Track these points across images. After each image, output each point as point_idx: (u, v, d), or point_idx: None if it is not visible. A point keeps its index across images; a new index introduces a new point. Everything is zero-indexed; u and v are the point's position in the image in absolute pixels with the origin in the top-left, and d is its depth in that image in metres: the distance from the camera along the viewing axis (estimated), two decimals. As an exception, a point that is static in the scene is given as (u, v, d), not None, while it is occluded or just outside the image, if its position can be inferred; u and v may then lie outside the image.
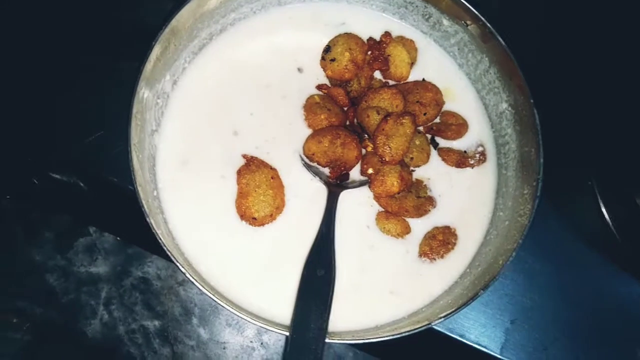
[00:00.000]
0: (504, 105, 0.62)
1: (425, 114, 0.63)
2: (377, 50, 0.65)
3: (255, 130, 0.62)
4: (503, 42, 0.58)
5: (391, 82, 0.66)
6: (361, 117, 0.62)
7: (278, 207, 0.59)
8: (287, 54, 0.65)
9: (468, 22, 0.61)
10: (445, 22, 0.64)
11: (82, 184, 0.72)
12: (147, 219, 0.50)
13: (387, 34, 0.66)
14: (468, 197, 0.62)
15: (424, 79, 0.66)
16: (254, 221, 0.58)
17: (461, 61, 0.66)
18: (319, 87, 0.65)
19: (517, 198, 0.58)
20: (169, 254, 0.50)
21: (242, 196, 0.58)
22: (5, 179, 0.73)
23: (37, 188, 0.74)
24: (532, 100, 0.56)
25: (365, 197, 0.62)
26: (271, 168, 0.60)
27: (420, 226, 0.61)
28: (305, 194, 0.60)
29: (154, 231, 0.50)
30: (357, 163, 0.62)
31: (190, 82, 0.63)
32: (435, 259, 0.59)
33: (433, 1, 0.62)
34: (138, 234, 0.76)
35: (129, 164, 0.52)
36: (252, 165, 0.59)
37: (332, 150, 0.60)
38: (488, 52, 0.61)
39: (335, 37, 0.64)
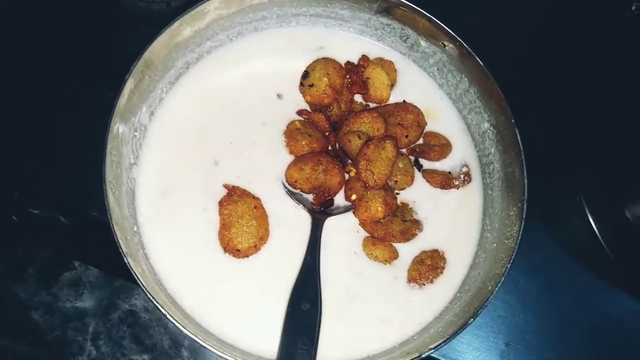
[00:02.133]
0: (486, 125, 0.61)
1: (407, 136, 0.62)
2: (355, 75, 0.64)
3: (236, 159, 0.61)
4: (481, 62, 0.58)
5: (372, 105, 0.66)
6: (342, 141, 0.62)
7: (262, 238, 0.58)
8: (265, 80, 0.65)
9: (445, 43, 0.61)
10: (423, 43, 0.63)
11: (62, 219, 0.71)
12: (125, 259, 0.49)
13: (364, 58, 0.65)
14: (455, 219, 0.61)
15: (404, 101, 0.65)
16: (237, 253, 0.57)
17: (441, 81, 0.66)
18: (300, 112, 0.64)
19: (503, 219, 0.57)
20: (148, 295, 0.49)
21: (224, 227, 0.57)
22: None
23: (17, 225, 0.73)
24: (512, 120, 0.56)
25: (351, 223, 0.61)
26: (254, 197, 0.59)
27: (407, 251, 0.60)
28: (289, 223, 0.59)
29: (132, 271, 0.49)
30: (340, 189, 0.61)
31: (168, 112, 0.63)
32: (424, 284, 0.58)
33: (410, 23, 0.62)
34: (123, 267, 0.74)
35: (104, 201, 0.51)
36: (234, 196, 0.58)
37: (314, 177, 0.59)
38: (467, 72, 0.61)
39: (313, 62, 0.64)
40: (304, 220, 0.60)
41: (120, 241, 0.49)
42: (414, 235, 0.60)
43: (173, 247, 0.57)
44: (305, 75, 0.64)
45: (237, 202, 0.58)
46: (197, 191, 0.59)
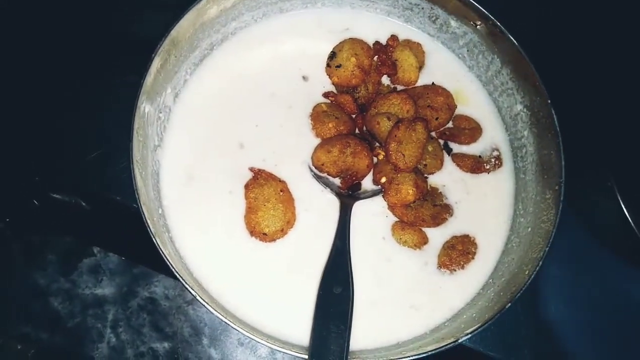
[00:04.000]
0: (519, 107, 0.59)
1: (437, 119, 0.61)
2: (384, 54, 0.63)
3: (261, 142, 0.60)
4: (516, 42, 0.56)
5: (399, 87, 0.64)
6: (371, 124, 0.60)
7: (289, 222, 0.56)
8: (291, 62, 0.63)
9: (477, 23, 0.59)
10: (453, 23, 0.62)
11: (84, 204, 0.70)
12: (154, 239, 0.48)
13: (393, 38, 0.64)
14: (486, 204, 0.60)
15: (433, 83, 0.64)
16: (264, 237, 0.56)
17: (471, 63, 0.64)
18: (326, 94, 0.62)
19: (538, 203, 0.55)
20: (177, 275, 0.48)
21: (251, 211, 0.56)
22: (3, 202, 0.71)
23: (38, 210, 0.72)
24: (549, 101, 0.54)
25: (380, 208, 0.59)
26: (280, 181, 0.58)
27: (437, 236, 0.59)
28: (316, 207, 0.58)
29: (160, 252, 0.48)
30: (368, 172, 0.60)
31: (193, 94, 0.61)
32: (455, 270, 0.57)
33: (440, 2, 0.61)
34: (143, 253, 0.74)
35: (132, 182, 0.49)
36: (260, 179, 0.57)
37: (342, 160, 0.58)
38: (499, 52, 0.59)
39: (340, 42, 0.63)
40: (332, 204, 0.58)
41: (148, 221, 0.48)
42: (444, 220, 0.59)
43: (198, 230, 0.56)
44: (332, 55, 0.62)
45: (263, 185, 0.57)
46: (222, 174, 0.58)
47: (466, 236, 0.58)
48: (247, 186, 0.57)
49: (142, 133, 0.52)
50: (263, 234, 0.55)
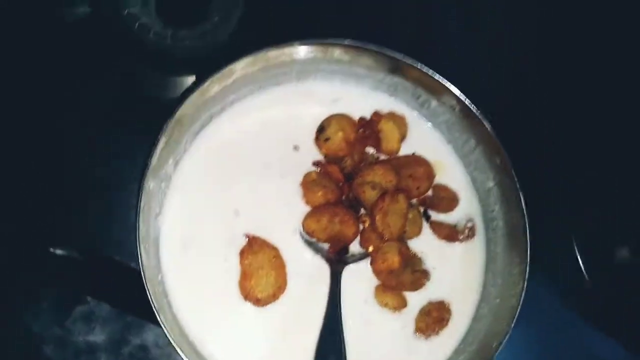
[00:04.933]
0: (491, 184, 0.65)
1: (418, 188, 0.67)
2: (369, 129, 0.68)
3: (255, 209, 0.64)
4: (488, 126, 0.62)
5: (383, 157, 0.69)
6: (357, 191, 0.65)
7: (280, 287, 0.61)
8: (283, 132, 0.68)
9: (453, 105, 0.65)
10: (433, 102, 0.68)
11: (81, 259, 0.73)
12: (158, 316, 0.51)
13: (376, 114, 0.69)
14: (459, 271, 0.65)
15: (414, 153, 0.69)
16: (258, 301, 0.60)
17: (449, 137, 0.70)
18: (315, 163, 0.67)
19: (506, 276, 0.61)
20: (173, 343, 0.51)
21: (245, 277, 0.60)
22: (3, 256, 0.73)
23: (36, 262, 0.75)
24: (517, 185, 0.60)
25: (363, 272, 0.64)
26: (273, 247, 0.62)
27: (415, 299, 0.64)
28: (307, 272, 0.63)
29: (164, 328, 0.51)
30: (355, 238, 0.65)
31: (191, 162, 0.65)
32: (430, 336, 0.62)
33: (421, 84, 0.66)
34: (136, 303, 0.76)
35: (137, 259, 0.53)
36: (254, 246, 0.61)
37: (331, 228, 0.63)
38: (473, 133, 0.65)
39: (328, 117, 0.68)
40: (321, 269, 0.63)
41: (150, 292, 0.52)
42: (422, 285, 0.64)
43: (195, 295, 0.60)
44: (321, 129, 0.67)
45: (257, 252, 0.61)
46: (218, 241, 0.62)
47: (441, 302, 0.64)
48: (242, 253, 0.61)
49: (146, 208, 0.56)
50: (257, 299, 0.60)
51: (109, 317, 0.78)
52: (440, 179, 0.69)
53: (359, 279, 0.64)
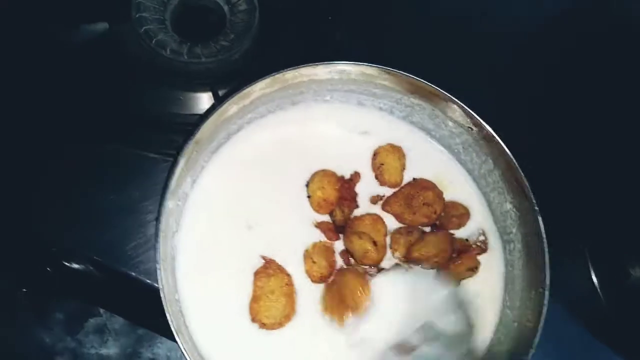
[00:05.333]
0: (509, 206, 0.65)
1: (435, 212, 0.66)
2: (345, 191, 0.67)
3: (270, 226, 0.64)
4: (507, 150, 0.62)
5: (388, 189, 0.69)
6: (346, 244, 0.65)
7: (287, 316, 0.61)
8: (298, 151, 0.68)
9: (472, 127, 0.65)
10: (450, 123, 0.68)
11: (97, 273, 0.73)
12: (177, 337, 0.52)
13: (357, 174, 0.68)
14: (478, 293, 0.65)
15: (414, 179, 0.69)
16: (263, 325, 0.60)
17: (465, 158, 0.70)
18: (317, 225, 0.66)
19: (524, 300, 0.61)
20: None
21: (255, 299, 0.61)
22: (21, 271, 0.73)
23: (51, 276, 0.75)
24: (536, 208, 0.60)
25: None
26: (287, 274, 0.62)
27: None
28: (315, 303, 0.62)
29: (182, 349, 0.52)
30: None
31: (208, 180, 0.66)
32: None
33: (439, 106, 0.66)
34: (147, 318, 0.77)
35: (158, 280, 0.53)
36: (269, 269, 0.61)
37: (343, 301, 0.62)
38: (491, 154, 0.65)
39: (313, 174, 0.67)
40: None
41: (171, 318, 0.52)
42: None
43: (209, 313, 0.60)
44: (307, 185, 0.67)
45: (271, 276, 0.61)
46: (233, 257, 0.62)
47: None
48: (256, 273, 0.61)
49: (165, 227, 0.56)
50: (262, 323, 0.60)
51: (122, 330, 0.78)
52: (450, 194, 0.69)
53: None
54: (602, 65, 0.81)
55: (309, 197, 0.66)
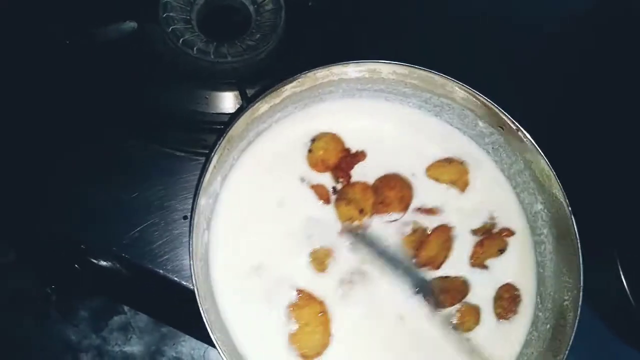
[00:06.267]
0: (539, 206, 0.65)
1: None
2: (346, 163, 0.66)
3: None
4: (540, 150, 0.62)
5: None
6: (335, 206, 0.65)
7: (325, 344, 0.60)
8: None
9: (503, 127, 0.65)
10: (481, 123, 0.67)
11: (124, 271, 0.74)
12: (212, 336, 0.51)
13: (362, 153, 0.68)
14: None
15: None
16: (303, 355, 0.60)
17: (495, 158, 0.69)
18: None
19: (557, 302, 0.60)
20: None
21: (295, 331, 0.60)
22: (50, 267, 0.74)
23: (79, 273, 0.76)
24: (569, 209, 0.59)
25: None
26: (319, 302, 0.61)
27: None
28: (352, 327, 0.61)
29: (218, 349, 0.52)
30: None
31: (237, 176, 0.66)
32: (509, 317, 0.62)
33: (469, 106, 0.66)
34: (172, 315, 0.77)
35: (191, 276, 0.53)
36: (300, 301, 0.60)
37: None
38: (522, 155, 0.65)
39: (322, 133, 0.67)
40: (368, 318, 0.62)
41: (206, 316, 0.52)
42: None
43: (245, 316, 0.59)
44: (312, 140, 0.67)
45: (302, 307, 0.60)
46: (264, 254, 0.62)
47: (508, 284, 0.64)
48: (290, 306, 0.60)
49: (197, 224, 0.56)
50: (302, 354, 0.59)
51: (146, 328, 0.79)
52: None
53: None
54: (631, 65, 0.80)
55: (309, 151, 0.66)
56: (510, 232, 0.66)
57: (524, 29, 0.86)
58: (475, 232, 0.66)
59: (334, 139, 0.67)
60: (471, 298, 0.63)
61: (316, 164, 0.66)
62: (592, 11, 0.91)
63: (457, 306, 0.63)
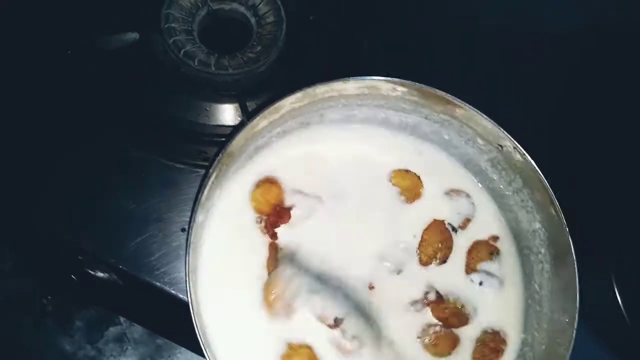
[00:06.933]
0: (537, 225, 0.65)
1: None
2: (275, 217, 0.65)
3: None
4: (538, 169, 0.62)
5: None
6: None
7: None
8: (325, 164, 0.68)
9: (502, 145, 0.65)
10: (480, 140, 0.67)
11: (120, 282, 0.74)
12: (205, 352, 0.51)
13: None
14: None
15: None
16: None
17: (492, 176, 0.69)
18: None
19: (554, 322, 0.60)
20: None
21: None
22: (47, 279, 0.74)
23: (75, 284, 0.76)
24: (567, 229, 0.59)
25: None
26: (307, 347, 0.61)
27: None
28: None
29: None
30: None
31: (234, 190, 0.66)
32: None
33: (468, 123, 0.66)
34: (167, 327, 0.77)
35: (187, 292, 0.53)
36: (290, 350, 0.60)
37: None
38: (521, 173, 0.65)
39: (260, 180, 0.67)
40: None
41: (199, 331, 0.52)
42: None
43: (227, 327, 0.60)
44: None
45: (292, 356, 0.60)
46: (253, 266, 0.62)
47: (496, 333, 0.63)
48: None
49: (194, 240, 0.56)
50: None
51: (141, 339, 0.78)
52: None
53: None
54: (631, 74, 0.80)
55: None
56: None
57: (524, 29, 0.86)
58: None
59: (271, 186, 0.66)
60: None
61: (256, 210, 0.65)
62: (593, 13, 0.91)
63: (437, 328, 0.62)
